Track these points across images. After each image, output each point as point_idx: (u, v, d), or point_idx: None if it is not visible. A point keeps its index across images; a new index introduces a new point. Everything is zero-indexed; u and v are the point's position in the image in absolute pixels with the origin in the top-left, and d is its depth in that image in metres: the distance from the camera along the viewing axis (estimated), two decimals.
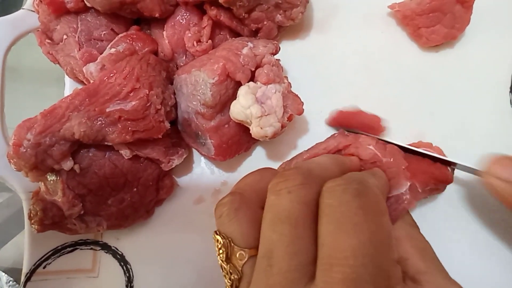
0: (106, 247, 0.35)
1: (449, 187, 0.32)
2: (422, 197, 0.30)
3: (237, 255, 0.21)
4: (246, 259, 0.21)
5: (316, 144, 0.32)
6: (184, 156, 0.34)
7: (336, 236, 0.18)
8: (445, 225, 0.34)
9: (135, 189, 0.33)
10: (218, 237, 0.22)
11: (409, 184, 0.27)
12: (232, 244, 0.21)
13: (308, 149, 0.32)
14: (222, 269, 0.22)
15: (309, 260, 0.19)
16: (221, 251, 0.21)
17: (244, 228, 0.21)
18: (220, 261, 0.21)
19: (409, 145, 0.31)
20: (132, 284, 0.35)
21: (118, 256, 0.35)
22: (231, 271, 0.21)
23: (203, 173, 0.37)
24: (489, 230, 0.34)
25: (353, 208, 0.19)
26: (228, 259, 0.21)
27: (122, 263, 0.35)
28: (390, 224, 0.20)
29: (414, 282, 0.22)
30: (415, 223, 0.27)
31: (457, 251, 0.33)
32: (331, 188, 0.20)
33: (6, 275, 0.42)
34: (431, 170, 0.29)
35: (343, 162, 0.25)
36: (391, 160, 0.27)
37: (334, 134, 0.32)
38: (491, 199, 0.32)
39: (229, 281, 0.21)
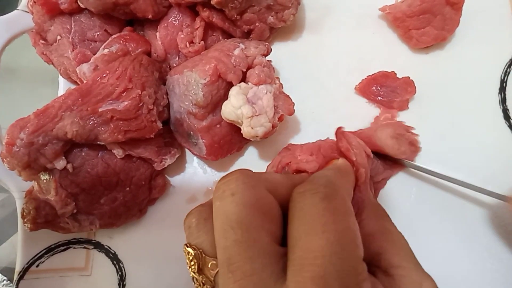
0: (99, 246, 0.35)
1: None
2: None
3: (209, 266, 0.21)
4: (218, 269, 0.21)
5: (267, 167, 0.34)
6: (177, 156, 0.35)
7: (306, 237, 0.19)
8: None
9: (127, 188, 0.34)
10: (189, 249, 0.22)
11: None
12: (204, 254, 0.21)
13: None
14: (194, 281, 0.22)
15: (271, 260, 0.19)
16: (192, 263, 0.21)
17: (214, 237, 0.21)
18: (192, 273, 0.21)
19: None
20: (124, 283, 0.35)
21: (111, 255, 0.35)
22: (203, 281, 0.21)
23: (196, 172, 0.37)
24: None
25: (321, 210, 0.19)
26: (200, 270, 0.21)
27: (114, 262, 0.35)
28: (356, 224, 0.21)
29: (387, 275, 0.23)
30: (386, 213, 0.28)
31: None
32: (301, 193, 0.21)
33: (0, 274, 0.43)
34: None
35: (293, 177, 0.25)
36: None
37: (281, 150, 0.34)
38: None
39: None
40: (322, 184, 0.21)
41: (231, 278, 0.19)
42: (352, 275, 0.19)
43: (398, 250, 0.24)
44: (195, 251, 0.21)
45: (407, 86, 0.36)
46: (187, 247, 0.22)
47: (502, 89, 0.37)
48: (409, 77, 0.37)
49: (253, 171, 0.23)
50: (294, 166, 0.30)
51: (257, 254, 0.19)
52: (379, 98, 0.37)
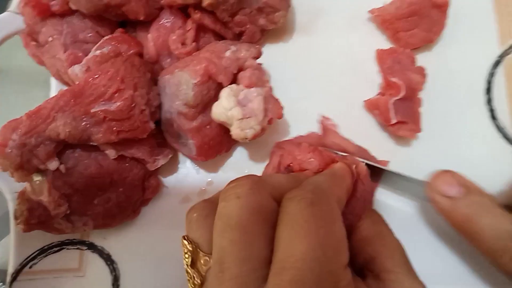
0: (92, 247, 0.36)
1: None
2: None
3: (202, 261, 0.22)
4: (210, 265, 0.21)
5: (265, 166, 0.34)
6: (170, 156, 0.35)
7: (289, 241, 0.19)
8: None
9: (121, 189, 0.34)
10: (185, 242, 0.22)
11: None
12: (198, 249, 0.22)
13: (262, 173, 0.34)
14: (187, 273, 0.22)
15: (261, 265, 0.20)
16: (187, 256, 0.22)
17: (211, 235, 0.22)
18: (185, 266, 0.22)
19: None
20: (118, 283, 0.35)
21: (105, 256, 0.35)
22: (194, 275, 0.22)
23: (189, 173, 0.37)
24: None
25: (305, 216, 0.20)
26: (193, 264, 0.22)
27: (108, 262, 0.35)
28: (343, 230, 0.21)
29: (378, 280, 0.23)
30: (383, 218, 0.28)
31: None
32: (289, 198, 0.22)
33: None
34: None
35: (298, 178, 0.25)
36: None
37: (272, 149, 0.34)
38: None
39: (192, 285, 0.22)
40: (310, 190, 0.22)
41: (220, 278, 0.19)
42: (331, 282, 0.19)
43: (392, 254, 0.24)
44: (190, 245, 0.22)
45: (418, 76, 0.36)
46: (184, 239, 0.23)
47: (488, 90, 0.38)
48: (424, 69, 0.37)
49: (259, 175, 0.24)
50: (297, 167, 0.30)
51: (249, 257, 0.20)
52: (386, 66, 0.36)
